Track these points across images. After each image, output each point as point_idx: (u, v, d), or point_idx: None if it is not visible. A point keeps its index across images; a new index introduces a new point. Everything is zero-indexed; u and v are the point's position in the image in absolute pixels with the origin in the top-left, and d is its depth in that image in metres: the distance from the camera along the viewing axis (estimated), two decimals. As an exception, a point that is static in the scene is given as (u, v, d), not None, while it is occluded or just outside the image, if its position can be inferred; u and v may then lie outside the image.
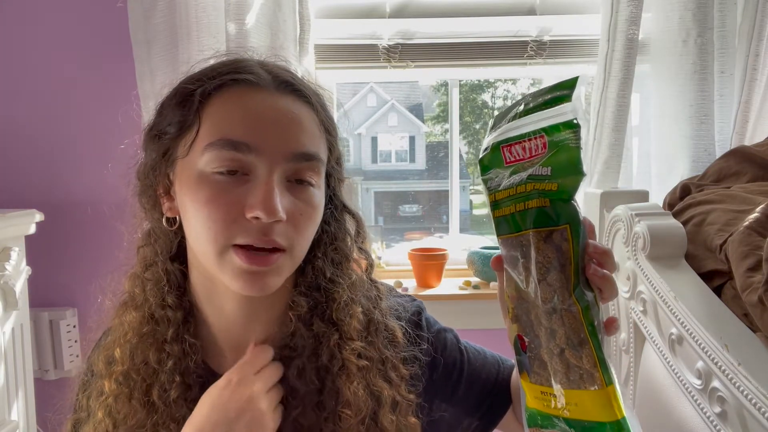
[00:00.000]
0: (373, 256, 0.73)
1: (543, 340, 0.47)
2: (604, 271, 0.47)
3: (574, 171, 0.45)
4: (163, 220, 0.64)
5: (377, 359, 0.63)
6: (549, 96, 0.47)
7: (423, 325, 0.71)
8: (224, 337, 0.65)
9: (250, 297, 0.62)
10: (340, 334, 0.63)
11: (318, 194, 0.61)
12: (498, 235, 0.50)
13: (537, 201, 0.46)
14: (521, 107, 0.49)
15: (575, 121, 0.45)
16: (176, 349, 0.62)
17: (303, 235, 0.59)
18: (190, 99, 0.59)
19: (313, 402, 0.61)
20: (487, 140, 0.51)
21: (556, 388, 0.47)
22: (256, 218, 0.55)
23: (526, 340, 0.49)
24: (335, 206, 0.69)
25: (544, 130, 0.46)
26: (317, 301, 0.65)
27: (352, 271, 0.68)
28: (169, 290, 0.64)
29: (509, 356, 0.77)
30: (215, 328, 0.65)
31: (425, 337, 0.69)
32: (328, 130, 0.64)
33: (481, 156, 0.51)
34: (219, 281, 0.60)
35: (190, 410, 0.60)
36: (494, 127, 0.51)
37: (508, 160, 0.49)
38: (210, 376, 0.63)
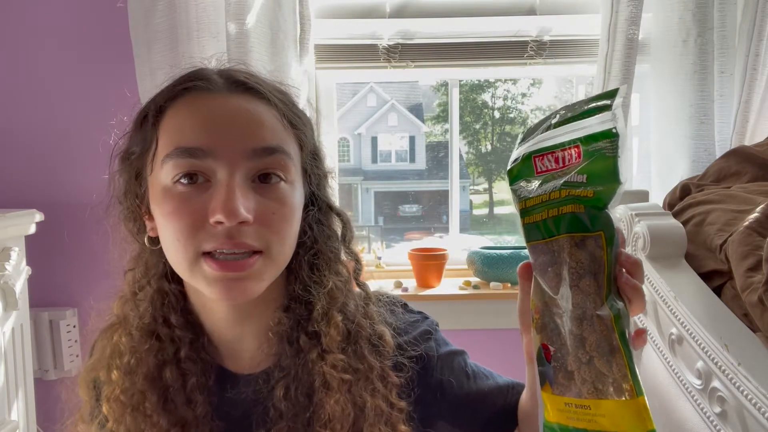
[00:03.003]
0: (365, 257, 0.70)
1: (571, 348, 0.46)
2: (636, 281, 0.46)
3: (611, 179, 0.45)
4: (145, 239, 0.63)
5: (362, 370, 0.61)
6: (586, 107, 0.47)
7: (431, 346, 0.68)
8: (224, 347, 0.65)
9: (239, 307, 0.61)
10: (321, 347, 0.61)
11: (290, 190, 0.59)
12: (528, 242, 0.49)
13: (571, 207, 0.45)
14: (555, 119, 0.49)
15: (614, 130, 0.45)
16: (193, 368, 0.62)
17: (280, 235, 0.57)
18: (147, 116, 0.59)
19: (302, 421, 0.60)
20: (517, 152, 0.51)
21: (584, 398, 0.46)
22: (220, 222, 0.53)
23: (551, 349, 0.48)
24: (319, 207, 0.66)
25: (579, 140, 0.46)
26: (298, 314, 0.63)
27: (333, 275, 0.65)
28: (170, 309, 0.63)
29: (514, 358, 0.74)
30: (215, 337, 0.65)
31: (432, 356, 0.67)
32: (294, 124, 0.61)
33: (510, 167, 0.51)
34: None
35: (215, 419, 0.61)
36: (524, 139, 0.51)
37: (540, 170, 0.49)
38: (229, 378, 0.64)
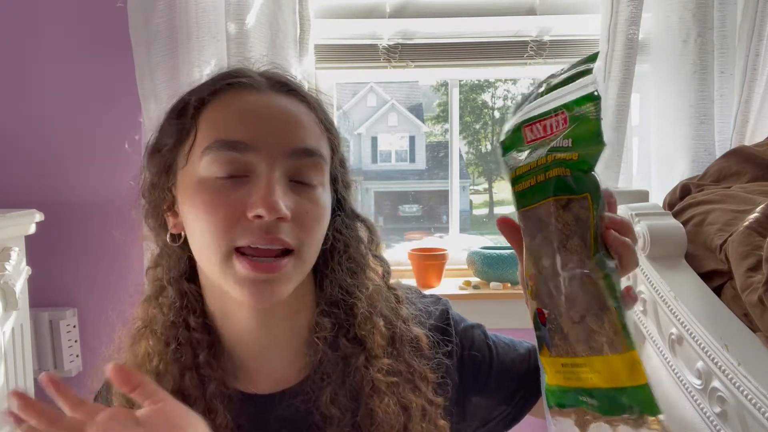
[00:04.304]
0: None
1: (563, 309, 0.47)
2: (624, 237, 0.47)
3: (595, 141, 0.46)
4: (167, 236, 0.62)
5: (405, 372, 0.62)
6: (569, 73, 0.48)
7: (450, 326, 0.69)
8: (251, 361, 0.63)
9: (265, 311, 0.60)
10: (366, 353, 0.62)
11: (322, 193, 0.59)
12: (518, 210, 0.50)
13: (557, 170, 0.47)
14: (542, 88, 0.50)
15: (595, 93, 0.46)
16: (212, 374, 0.60)
17: (311, 236, 0.57)
18: (186, 108, 0.59)
19: (349, 426, 0.60)
20: (509, 124, 0.52)
21: (578, 356, 0.47)
22: (258, 217, 0.53)
23: (545, 312, 0.49)
24: (346, 213, 0.67)
25: (564, 105, 0.47)
26: (339, 319, 0.63)
27: (368, 281, 0.66)
28: (189, 311, 0.61)
29: None
30: (239, 350, 0.63)
31: (452, 338, 0.68)
32: (329, 129, 0.63)
33: (502, 138, 0.52)
34: (230, 295, 0.58)
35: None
36: (516, 111, 0.52)
37: (529, 139, 0.50)
38: (245, 400, 0.62)
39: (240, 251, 0.55)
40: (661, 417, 0.44)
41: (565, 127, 0.47)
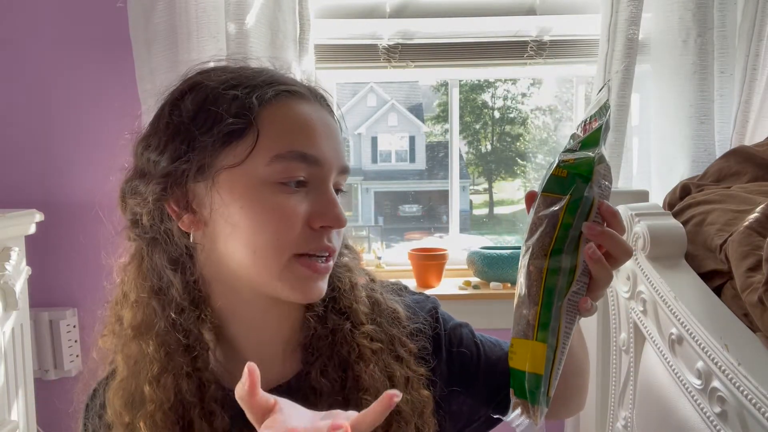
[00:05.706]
0: (365, 257, 0.73)
1: (517, 293, 0.53)
2: (600, 254, 0.50)
3: (590, 149, 0.50)
4: (174, 231, 0.59)
5: (386, 339, 0.65)
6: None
7: (439, 323, 0.71)
8: (252, 354, 0.62)
9: (277, 304, 0.61)
10: (352, 322, 0.64)
11: None
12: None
13: (557, 170, 0.51)
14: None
15: (608, 103, 0.52)
16: (211, 376, 0.59)
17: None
18: (243, 108, 0.57)
19: (339, 399, 0.61)
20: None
21: (512, 337, 0.53)
22: (323, 227, 0.57)
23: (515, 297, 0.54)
24: None
25: (596, 112, 0.53)
26: (327, 295, 0.64)
27: (344, 257, 0.69)
28: (193, 310, 0.59)
29: None
30: (243, 346, 0.63)
31: (441, 334, 0.70)
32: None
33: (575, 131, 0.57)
34: (248, 295, 0.59)
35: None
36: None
37: (578, 137, 0.55)
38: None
39: (296, 254, 0.57)
40: (544, 408, 0.50)
41: (587, 133, 0.52)
